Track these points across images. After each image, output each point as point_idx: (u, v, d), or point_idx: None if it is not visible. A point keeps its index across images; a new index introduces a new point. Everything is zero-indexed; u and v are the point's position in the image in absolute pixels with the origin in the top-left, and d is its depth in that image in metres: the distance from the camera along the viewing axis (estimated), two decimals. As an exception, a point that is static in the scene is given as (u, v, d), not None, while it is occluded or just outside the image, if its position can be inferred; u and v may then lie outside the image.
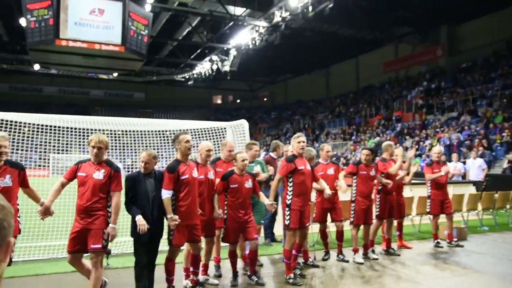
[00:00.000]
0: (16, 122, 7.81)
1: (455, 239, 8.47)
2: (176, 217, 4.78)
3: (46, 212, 4.45)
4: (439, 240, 8.39)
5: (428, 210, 8.56)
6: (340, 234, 7.11)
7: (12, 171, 4.26)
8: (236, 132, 8.73)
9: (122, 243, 7.04)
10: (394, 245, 7.97)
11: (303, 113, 43.55)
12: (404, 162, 7.97)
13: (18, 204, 4.69)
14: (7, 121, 7.66)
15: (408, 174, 8.17)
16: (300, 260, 6.60)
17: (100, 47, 21.29)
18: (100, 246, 4.43)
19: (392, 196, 7.68)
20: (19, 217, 4.70)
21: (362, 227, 7.21)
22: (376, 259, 7.26)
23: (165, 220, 5.00)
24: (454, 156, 15.01)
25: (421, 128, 24.79)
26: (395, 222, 8.07)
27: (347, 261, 7.02)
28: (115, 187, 4.59)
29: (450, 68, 29.51)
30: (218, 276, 5.93)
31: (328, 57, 37.52)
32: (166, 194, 4.81)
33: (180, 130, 9.72)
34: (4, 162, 4.27)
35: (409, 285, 5.92)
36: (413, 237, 9.13)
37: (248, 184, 5.55)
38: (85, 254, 4.60)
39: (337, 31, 29.13)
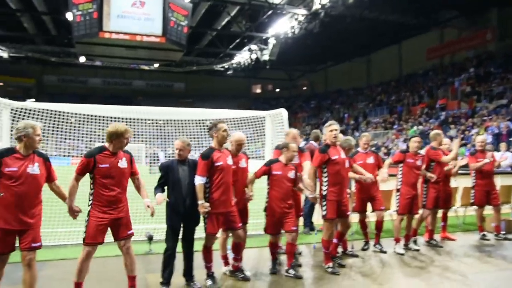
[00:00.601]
0: (64, 112, 8.16)
1: (502, 232, 8.14)
2: (207, 204, 4.84)
3: (72, 212, 4.47)
4: (485, 233, 8.10)
5: (472, 200, 8.27)
6: (379, 224, 7.00)
7: (39, 160, 4.29)
8: (275, 121, 8.73)
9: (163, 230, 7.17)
10: (437, 237, 7.77)
11: (343, 101, 42.86)
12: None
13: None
14: (55, 111, 8.03)
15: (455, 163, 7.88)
16: (339, 249, 6.56)
17: (142, 38, 21.80)
18: (133, 231, 4.61)
19: (439, 185, 7.46)
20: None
21: (405, 217, 7.06)
22: (418, 250, 7.11)
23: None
24: (503, 145, 14.36)
25: (467, 116, 23.81)
26: (439, 213, 7.85)
27: (385, 252, 6.91)
28: (135, 170, 4.74)
29: (500, 53, 28.08)
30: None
31: (369, 44, 36.60)
32: (199, 180, 4.87)
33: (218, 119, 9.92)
34: (32, 151, 4.31)
35: (451, 276, 5.77)
36: (457, 229, 8.86)
37: (291, 174, 5.52)
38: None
39: (378, 17, 28.28)
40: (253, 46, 32.49)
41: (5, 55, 38.43)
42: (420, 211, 7.28)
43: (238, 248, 5.34)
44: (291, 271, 5.59)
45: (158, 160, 11.39)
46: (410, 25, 30.49)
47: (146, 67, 43.93)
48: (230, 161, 5.10)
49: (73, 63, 41.85)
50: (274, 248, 5.68)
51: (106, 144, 4.51)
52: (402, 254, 6.80)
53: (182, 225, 4.97)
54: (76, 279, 4.37)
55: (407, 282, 5.64)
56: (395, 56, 38.55)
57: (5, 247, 4.01)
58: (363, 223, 7.19)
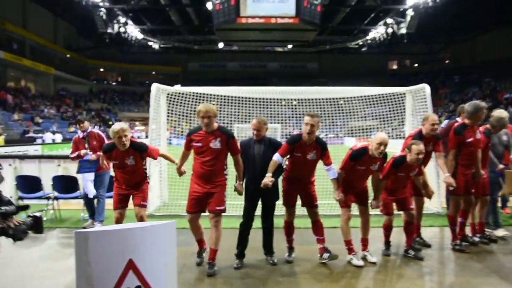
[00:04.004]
0: (206, 94, 8.79)
1: None
2: (272, 178, 4.73)
3: (180, 173, 5.07)
4: None
5: None
6: None
7: (135, 153, 4.99)
8: (416, 98, 8.14)
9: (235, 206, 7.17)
10: None
11: (494, 74, 38.11)
12: None
13: (149, 178, 5.44)
14: (199, 94, 8.70)
15: None
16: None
17: (276, 20, 22.26)
18: (223, 207, 4.78)
19: None
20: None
21: None
22: None
23: (280, 187, 5.07)
24: None
25: None
26: None
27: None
28: (235, 151, 4.87)
29: None
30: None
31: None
32: (276, 157, 4.85)
33: (353, 98, 9.62)
34: (129, 146, 5.00)
35: None
36: None
37: (312, 155, 4.95)
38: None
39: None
40: (389, 20, 30.77)
41: (156, 46, 42.93)
42: None
43: (317, 228, 5.12)
44: (411, 252, 5.28)
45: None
46: None
47: (280, 49, 44.95)
48: (310, 156, 4.88)
49: (213, 49, 44.88)
50: (388, 230, 5.39)
51: None
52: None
53: (260, 201, 5.04)
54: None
55: None
56: None
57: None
58: None
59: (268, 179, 4.70)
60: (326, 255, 4.97)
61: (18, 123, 29.52)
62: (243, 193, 5.00)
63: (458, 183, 5.38)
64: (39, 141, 25.41)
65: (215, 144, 4.69)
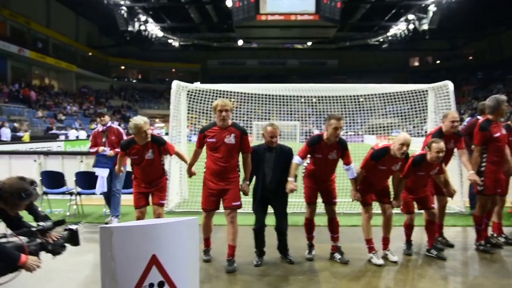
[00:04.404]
0: (226, 91, 8.81)
1: None
2: (296, 183, 4.73)
3: (190, 174, 5.09)
4: None
5: None
6: None
7: (153, 146, 5.00)
8: (439, 95, 8.00)
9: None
10: None
11: (520, 71, 37.18)
12: None
13: (167, 174, 5.50)
14: (219, 91, 8.73)
15: None
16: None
17: (296, 17, 22.18)
18: (239, 203, 4.79)
19: None
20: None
21: None
22: None
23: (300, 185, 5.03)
24: None
25: None
26: None
27: None
28: (246, 149, 4.84)
29: None
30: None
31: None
32: (297, 160, 4.82)
33: (374, 95, 9.52)
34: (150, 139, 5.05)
35: None
36: None
37: (332, 155, 4.88)
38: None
39: None
40: (411, 16, 30.33)
41: (176, 44, 43.25)
42: None
43: (333, 226, 5.07)
44: (433, 251, 5.19)
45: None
46: None
47: (299, 46, 44.78)
48: (332, 156, 4.84)
49: (232, 47, 45.00)
50: (409, 229, 5.32)
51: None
52: None
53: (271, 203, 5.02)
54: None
55: None
56: None
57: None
58: None
59: (292, 184, 4.70)
60: (337, 255, 4.94)
61: (42, 120, 30.16)
62: (252, 198, 5.01)
63: (487, 183, 5.26)
64: (62, 137, 25.91)
65: (230, 139, 4.70)
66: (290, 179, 4.74)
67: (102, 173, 6.91)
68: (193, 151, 5.02)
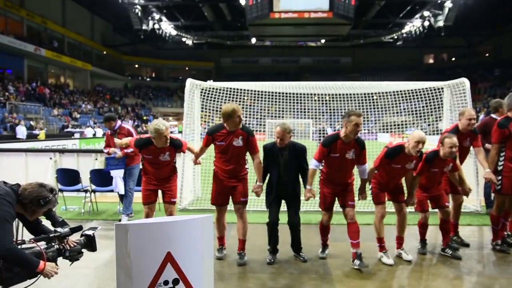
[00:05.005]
0: (239, 90, 8.81)
1: None
2: (314, 190, 4.75)
3: (195, 162, 5.37)
4: None
5: None
6: None
7: (170, 149, 5.06)
8: (455, 93, 7.88)
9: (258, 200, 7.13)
10: None
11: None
12: None
13: (177, 169, 5.50)
14: (232, 89, 8.74)
15: None
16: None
17: (309, 15, 22.07)
18: (247, 199, 4.98)
19: None
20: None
21: None
22: None
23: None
24: None
25: None
26: None
27: None
28: (253, 150, 4.89)
29: None
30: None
31: None
32: (314, 164, 4.78)
33: (387, 92, 9.43)
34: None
35: None
36: None
37: (350, 155, 4.78)
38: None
39: None
40: (426, 13, 29.96)
41: (189, 42, 43.42)
42: None
43: (352, 231, 4.82)
44: (448, 251, 5.13)
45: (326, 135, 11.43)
46: None
47: (313, 44, 44.58)
48: (349, 155, 4.73)
49: (245, 45, 44.99)
50: (423, 228, 5.25)
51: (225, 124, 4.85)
52: None
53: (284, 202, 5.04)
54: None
55: None
56: None
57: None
58: None
59: (309, 193, 4.74)
60: (357, 262, 4.73)
61: (58, 118, 30.56)
62: (266, 194, 5.02)
63: (504, 182, 5.15)
64: (77, 135, 26.24)
65: (238, 142, 4.80)
66: (308, 187, 4.76)
67: (118, 174, 6.98)
68: (199, 147, 5.24)
